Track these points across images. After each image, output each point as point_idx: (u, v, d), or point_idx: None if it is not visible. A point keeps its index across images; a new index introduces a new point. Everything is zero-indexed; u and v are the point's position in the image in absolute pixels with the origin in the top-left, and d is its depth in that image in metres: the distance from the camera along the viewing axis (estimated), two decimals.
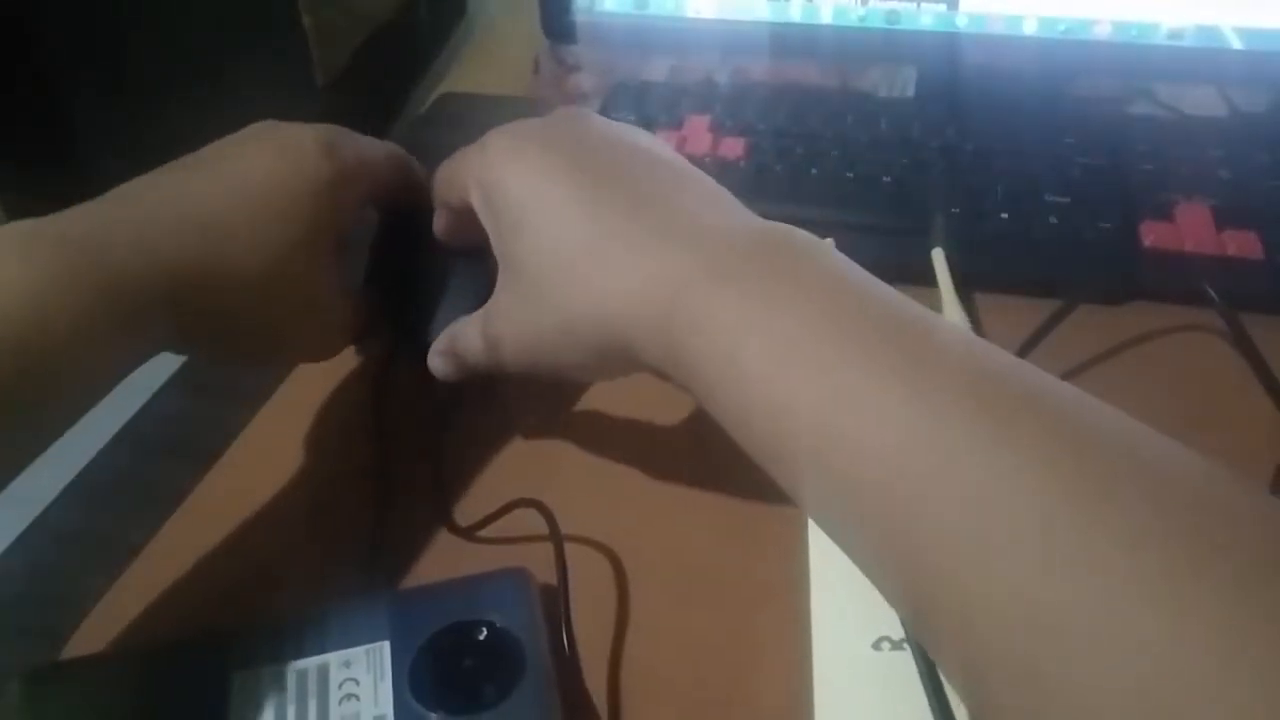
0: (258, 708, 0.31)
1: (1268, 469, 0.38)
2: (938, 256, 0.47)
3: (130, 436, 0.45)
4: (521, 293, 0.32)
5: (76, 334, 0.29)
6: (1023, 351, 0.43)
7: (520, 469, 0.41)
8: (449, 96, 0.73)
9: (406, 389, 0.44)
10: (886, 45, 0.57)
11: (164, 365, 0.38)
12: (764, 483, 0.26)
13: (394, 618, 0.33)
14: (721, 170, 0.54)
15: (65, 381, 0.30)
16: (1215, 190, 0.51)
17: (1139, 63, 0.55)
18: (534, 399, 0.44)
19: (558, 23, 0.60)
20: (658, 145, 0.33)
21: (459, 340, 0.37)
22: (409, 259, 0.42)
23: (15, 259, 0.29)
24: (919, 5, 0.55)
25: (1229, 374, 0.43)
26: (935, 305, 0.46)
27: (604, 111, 0.59)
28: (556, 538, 0.36)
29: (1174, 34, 0.53)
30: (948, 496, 0.21)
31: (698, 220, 0.29)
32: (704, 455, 0.40)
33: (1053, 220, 0.50)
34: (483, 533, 0.37)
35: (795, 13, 0.57)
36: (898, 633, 0.32)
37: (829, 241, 0.46)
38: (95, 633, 0.36)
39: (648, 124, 0.57)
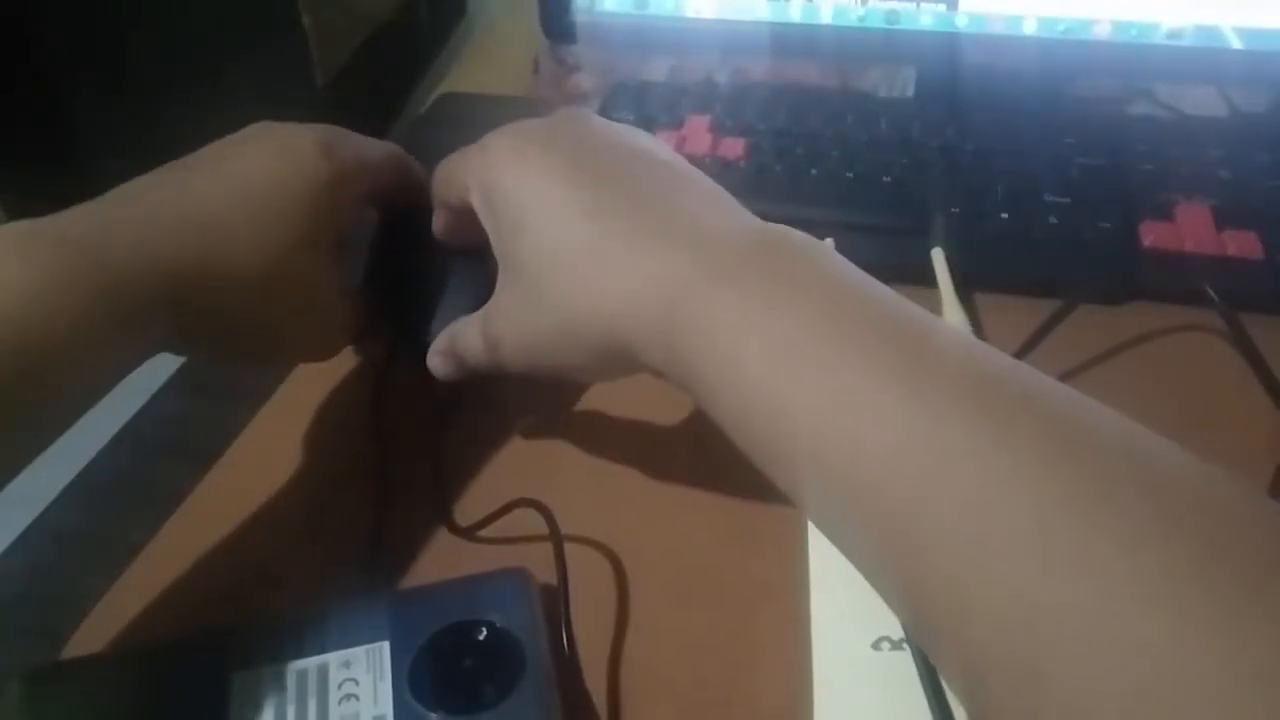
0: (258, 708, 0.31)
1: (1268, 469, 0.38)
2: (938, 256, 0.47)
3: (130, 436, 0.45)
4: (521, 293, 0.32)
5: (76, 334, 0.29)
6: (1023, 351, 0.43)
7: (520, 469, 0.41)
8: (449, 96, 0.73)
9: (406, 389, 0.44)
10: (886, 45, 0.57)
11: (164, 365, 0.38)
12: (764, 483, 0.26)
13: (394, 618, 0.33)
14: (721, 170, 0.54)
15: (65, 381, 0.30)
16: (1215, 190, 0.51)
17: (1139, 63, 0.55)
18: (534, 399, 0.44)
19: (558, 23, 0.60)
20: (658, 146, 0.33)
21: (459, 340, 0.37)
22: (408, 259, 0.42)
23: (15, 259, 0.29)
24: (919, 5, 0.55)
25: (1229, 374, 0.43)
26: (935, 305, 0.46)
27: (604, 111, 0.59)
28: (556, 538, 0.36)
29: (1174, 34, 0.53)
30: (946, 497, 0.21)
31: (697, 221, 0.29)
32: (704, 455, 0.40)
33: (1053, 220, 0.50)
34: (483, 533, 0.37)
35: (795, 13, 0.57)
36: (898, 633, 0.32)
37: (829, 242, 0.47)
38: (95, 633, 0.36)
39: (648, 124, 0.57)
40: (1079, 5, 0.53)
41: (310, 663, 0.32)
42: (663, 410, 0.43)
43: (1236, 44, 0.52)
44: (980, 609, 0.20)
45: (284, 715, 0.31)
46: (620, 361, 0.30)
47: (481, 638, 0.32)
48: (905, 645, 0.31)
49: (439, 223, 0.40)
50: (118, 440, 0.45)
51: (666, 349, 0.27)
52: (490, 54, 0.88)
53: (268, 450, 0.43)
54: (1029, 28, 0.55)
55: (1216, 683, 0.16)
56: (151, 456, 0.44)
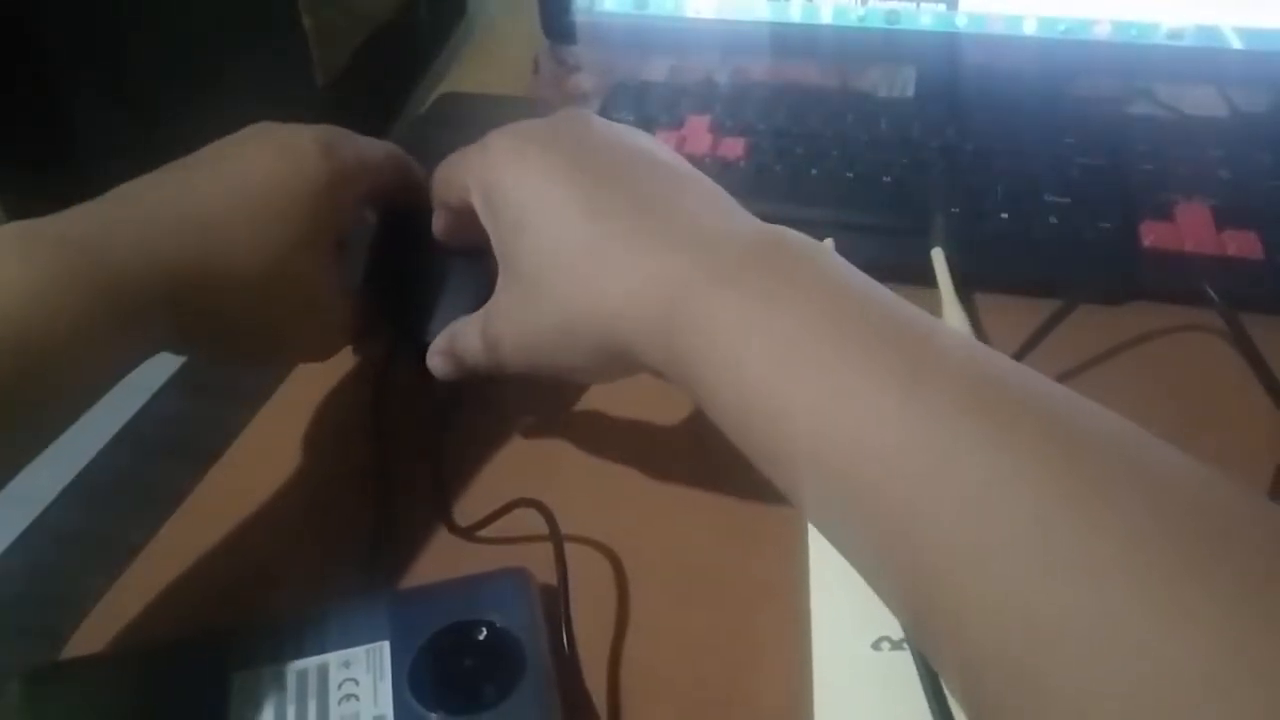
0: (258, 708, 0.31)
1: (1268, 469, 0.38)
2: (938, 256, 0.47)
3: (130, 436, 0.45)
4: (521, 293, 0.32)
5: (76, 334, 0.29)
6: (1023, 351, 0.43)
7: (520, 469, 0.41)
8: (449, 96, 0.73)
9: (406, 389, 0.44)
10: (886, 45, 0.57)
11: (164, 365, 0.38)
12: (764, 483, 0.26)
13: (394, 618, 0.33)
14: (721, 170, 0.54)
15: (65, 381, 0.30)
16: (1215, 190, 0.51)
17: (1139, 63, 0.55)
18: (534, 399, 0.44)
19: (558, 23, 0.60)
20: (658, 147, 0.33)
21: (458, 340, 0.37)
22: (408, 259, 0.42)
23: (15, 259, 0.29)
24: (919, 5, 0.55)
25: (1229, 374, 0.43)
26: (935, 305, 0.46)
27: (604, 111, 0.59)
28: (556, 538, 0.36)
29: (1174, 34, 0.53)
30: (946, 498, 0.21)
31: (697, 221, 0.29)
32: (704, 455, 0.40)
33: (1053, 220, 0.50)
34: (483, 533, 0.37)
35: (795, 13, 0.57)
36: (898, 633, 0.32)
37: (829, 242, 0.47)
38: (95, 633, 0.36)
39: (648, 124, 0.57)
40: (1079, 5, 0.53)
41: (310, 663, 0.32)
42: (663, 410, 0.43)
43: (1236, 44, 0.52)
44: (979, 609, 0.20)
45: (284, 715, 0.31)
46: (620, 362, 0.30)
47: (481, 638, 0.32)
48: (905, 645, 0.31)
49: (439, 223, 0.40)
50: (118, 440, 0.45)
51: (666, 349, 0.27)
52: (490, 54, 0.88)
53: (268, 450, 0.43)
54: (1029, 28, 0.55)
55: (1214, 683, 0.16)
56: (151, 456, 0.44)
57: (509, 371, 0.34)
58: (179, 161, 0.36)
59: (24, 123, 1.15)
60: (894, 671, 0.31)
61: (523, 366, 0.34)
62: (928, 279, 0.47)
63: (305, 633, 0.33)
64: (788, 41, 0.58)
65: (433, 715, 0.30)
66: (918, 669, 0.30)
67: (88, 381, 0.31)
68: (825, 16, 0.57)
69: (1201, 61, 0.53)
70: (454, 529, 0.38)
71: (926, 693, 0.30)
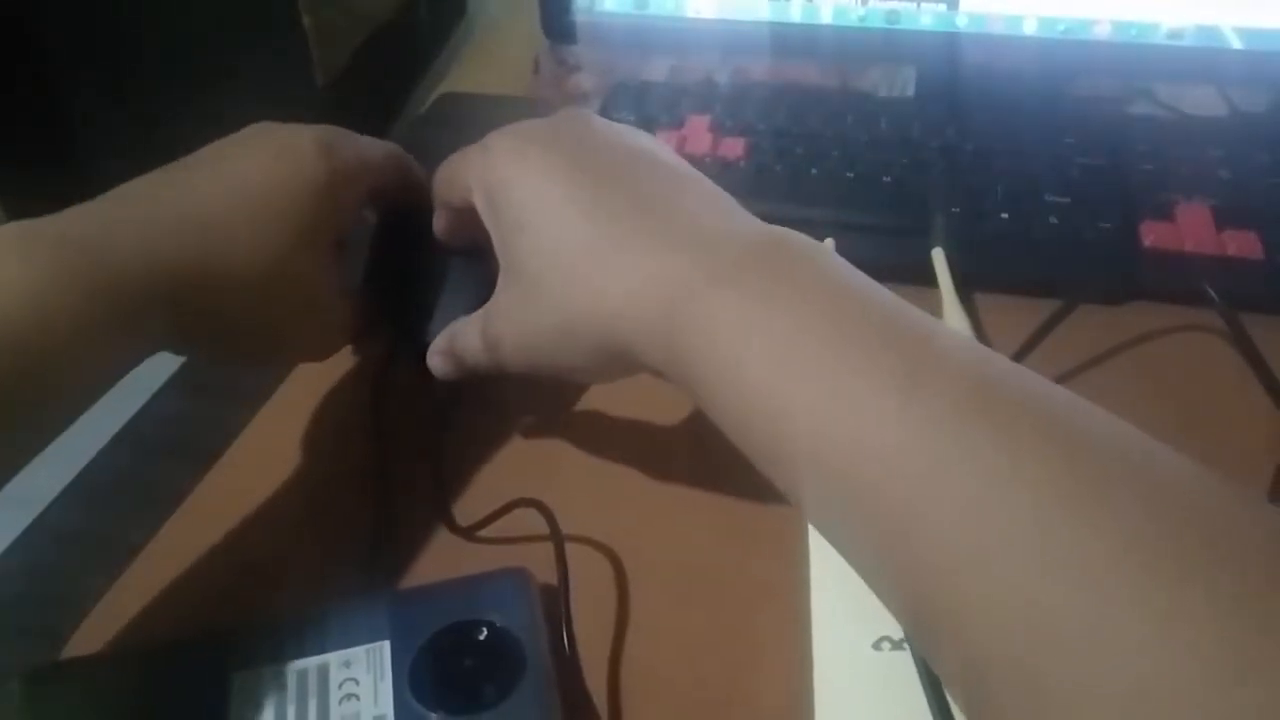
0: (258, 708, 0.31)
1: (1268, 469, 0.38)
2: (938, 256, 0.47)
3: (130, 437, 0.45)
4: (521, 293, 0.32)
5: (76, 334, 0.29)
6: (1023, 351, 0.43)
7: (520, 469, 0.41)
8: (449, 96, 0.73)
9: (406, 389, 0.44)
10: (886, 45, 0.57)
11: (164, 365, 0.38)
12: (764, 483, 0.26)
13: (394, 618, 0.33)
14: (721, 170, 0.54)
15: (65, 381, 0.30)
16: (1215, 190, 0.51)
17: (1139, 63, 0.55)
18: (534, 399, 0.44)
19: (558, 23, 0.60)
20: (658, 147, 0.33)
21: (459, 340, 0.37)
22: (408, 259, 0.42)
23: (15, 259, 0.29)
24: (919, 5, 0.55)
25: (1229, 374, 0.43)
26: (935, 305, 0.46)
27: (604, 111, 0.59)
28: (556, 538, 0.36)
29: (1174, 34, 0.53)
30: (945, 498, 0.21)
31: (697, 222, 0.29)
32: (704, 455, 0.40)
33: (1053, 220, 0.50)
34: (483, 533, 0.37)
35: (795, 13, 0.57)
36: (898, 633, 0.32)
37: (829, 242, 0.47)
38: (95, 633, 0.36)
39: (648, 124, 0.57)
40: (1079, 5, 0.53)
41: (310, 662, 0.32)
42: (663, 410, 0.43)
43: (1236, 44, 0.52)
44: (978, 609, 0.20)
45: (284, 715, 0.31)
46: (620, 362, 0.30)
47: (481, 638, 0.32)
48: (905, 645, 0.31)
49: (440, 223, 0.40)
50: (118, 440, 0.45)
51: (666, 349, 0.27)
52: (490, 54, 0.88)
53: (268, 450, 0.43)
54: (1029, 28, 0.55)
55: (1213, 684, 0.17)
56: (151, 456, 0.44)
57: (509, 371, 0.34)
58: (179, 161, 0.36)
59: (24, 123, 1.15)
60: (894, 671, 0.31)
61: (523, 366, 0.34)
62: (928, 279, 0.47)
63: (305, 633, 0.33)
64: (788, 41, 0.58)
65: (433, 715, 0.30)
66: (918, 669, 0.30)
67: (87, 381, 0.31)
68: (825, 16, 0.57)
69: (1201, 61, 0.53)
70: (454, 529, 0.38)
71: (926, 693, 0.30)
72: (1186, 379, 0.44)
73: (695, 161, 0.32)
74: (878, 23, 0.56)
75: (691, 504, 0.39)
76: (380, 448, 0.42)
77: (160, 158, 0.36)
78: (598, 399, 0.44)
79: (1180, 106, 0.62)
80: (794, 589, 0.34)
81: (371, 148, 0.40)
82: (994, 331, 0.46)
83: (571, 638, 0.34)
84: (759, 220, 0.29)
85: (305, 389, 0.45)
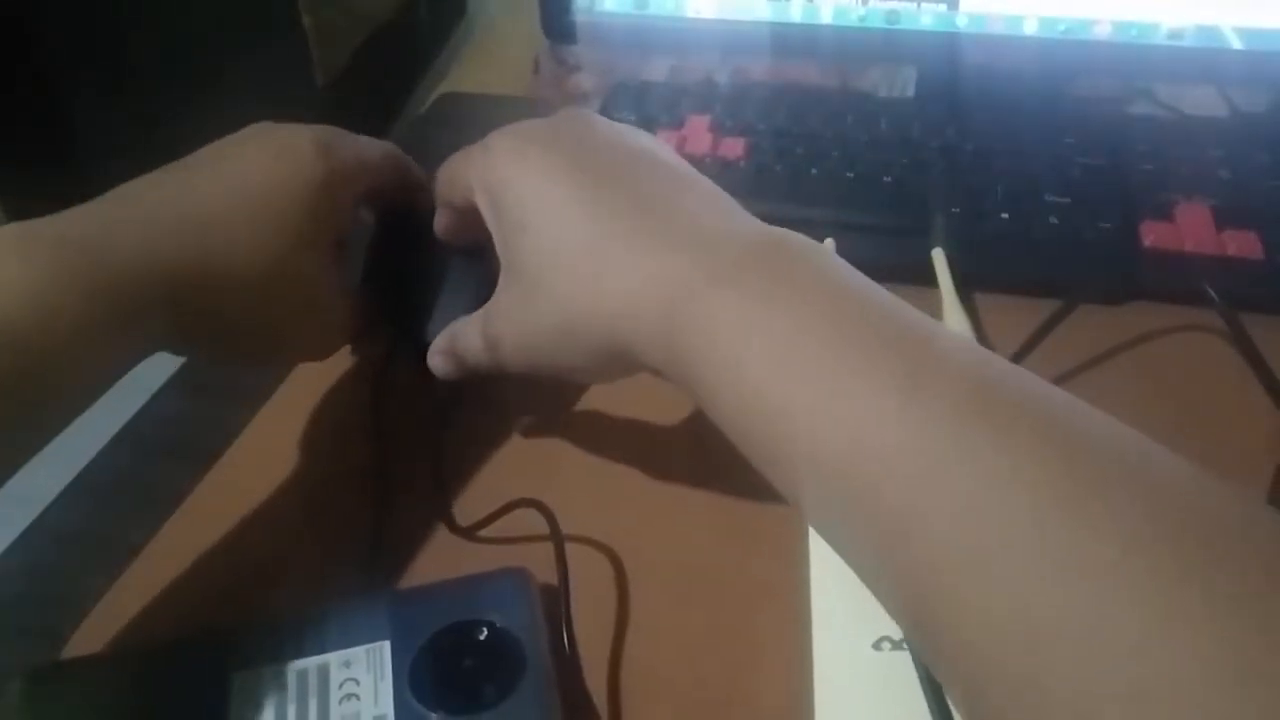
0: (258, 708, 0.31)
1: (1268, 469, 0.38)
2: (938, 256, 0.47)
3: (130, 437, 0.45)
4: (522, 292, 0.32)
5: (76, 334, 0.29)
6: (1023, 351, 0.43)
7: (520, 469, 0.41)
8: (449, 96, 0.73)
9: (406, 389, 0.44)
10: (886, 45, 0.57)
11: (164, 365, 0.38)
12: (763, 483, 0.26)
13: (394, 618, 0.33)
14: (721, 170, 0.54)
15: (64, 381, 0.30)
16: (1215, 190, 0.51)
17: (1139, 63, 0.55)
18: (534, 399, 0.44)
19: (558, 23, 0.60)
20: (659, 147, 0.33)
21: (459, 340, 0.37)
22: (407, 258, 0.42)
23: (15, 259, 0.29)
24: (919, 5, 0.55)
25: (1229, 374, 0.43)
26: (935, 305, 0.46)
27: (604, 111, 0.59)
28: (556, 538, 0.36)
29: (1174, 34, 0.53)
30: (944, 498, 0.21)
31: (697, 222, 0.29)
32: (704, 455, 0.40)
33: (1053, 220, 0.50)
34: (483, 533, 0.37)
35: (795, 13, 0.57)
36: (898, 633, 0.32)
37: (829, 242, 0.47)
38: (95, 633, 0.36)
39: (648, 124, 0.57)
40: (1079, 5, 0.53)
41: (310, 662, 0.32)
42: (663, 410, 0.43)
43: (1236, 44, 0.52)
44: (977, 610, 0.20)
45: (284, 715, 0.31)
46: (620, 362, 0.30)
47: (481, 638, 0.32)
48: (905, 645, 0.31)
49: (441, 222, 0.40)
50: (118, 440, 0.45)
51: (666, 349, 0.27)
52: (490, 54, 0.88)
53: (268, 450, 0.43)
54: (1029, 28, 0.55)
55: (1212, 685, 0.17)
56: (151, 456, 0.44)
57: (509, 371, 0.34)
58: (179, 162, 0.36)
59: (24, 123, 1.15)
60: (894, 671, 0.31)
61: (523, 366, 0.34)
62: (928, 279, 0.47)
63: (305, 633, 0.33)
64: (788, 41, 0.58)
65: (433, 715, 0.30)
66: (917, 669, 0.30)
67: (87, 381, 0.31)
68: (825, 16, 0.57)
69: (1201, 61, 0.53)
70: (454, 529, 0.38)
71: (926, 693, 0.30)
72: (1186, 379, 0.44)
73: (695, 161, 0.32)
74: (878, 23, 0.56)
75: (691, 504, 0.39)
76: (380, 448, 0.42)
77: (160, 158, 0.36)
78: (598, 399, 0.44)
79: (1180, 106, 0.62)
80: (794, 589, 0.34)
81: (369, 148, 0.40)
82: (994, 331, 0.46)
83: (571, 638, 0.34)
84: (759, 220, 0.29)
85: (305, 389, 0.45)
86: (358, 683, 0.31)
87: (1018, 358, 0.42)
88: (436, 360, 0.38)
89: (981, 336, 0.45)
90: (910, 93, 0.62)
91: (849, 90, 0.66)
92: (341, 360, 0.45)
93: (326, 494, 0.41)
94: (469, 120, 0.65)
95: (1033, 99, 0.59)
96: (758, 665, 0.34)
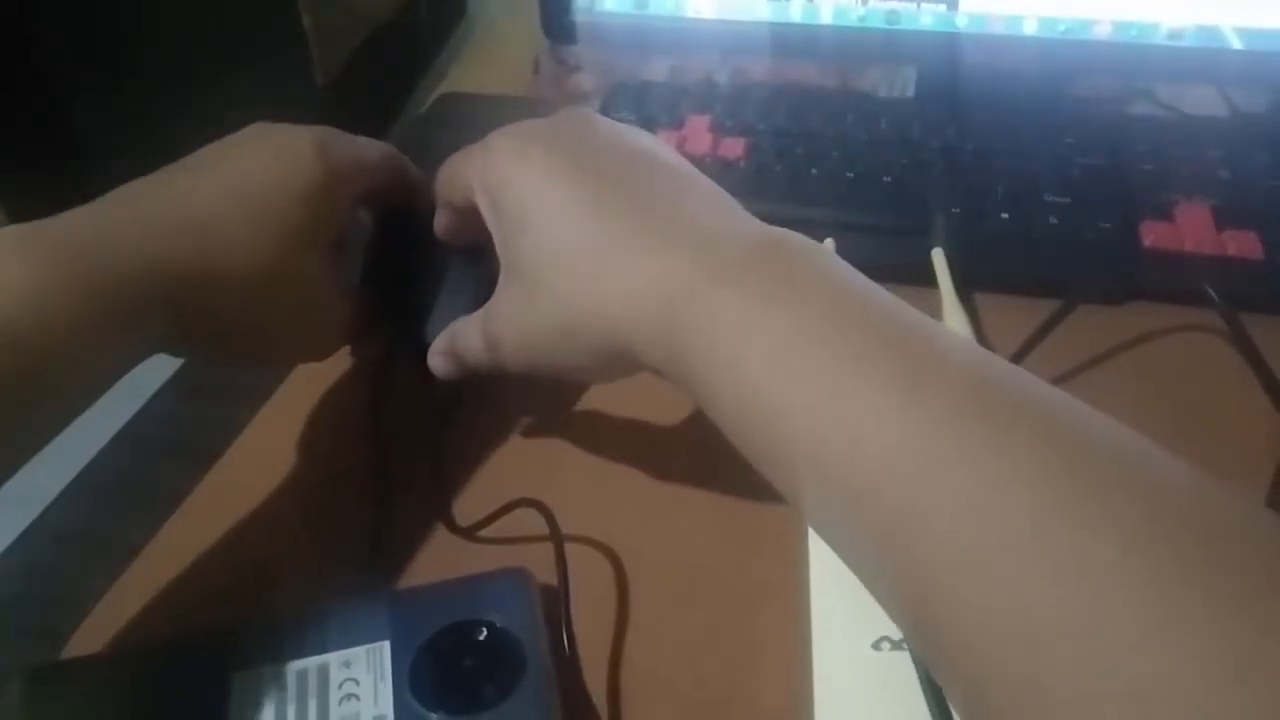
0: (258, 708, 0.31)
1: (1267, 469, 0.38)
2: (938, 256, 0.47)
3: (130, 437, 0.45)
4: (522, 292, 0.32)
5: (76, 335, 0.29)
6: (1023, 351, 0.43)
7: (520, 469, 0.41)
8: (449, 96, 0.73)
9: (406, 389, 0.44)
10: (886, 45, 0.57)
11: (164, 366, 0.38)
12: (763, 483, 0.26)
13: (394, 618, 0.33)
14: (721, 170, 0.54)
15: (63, 381, 0.30)
16: (1215, 190, 0.51)
17: (1139, 63, 0.55)
18: (534, 399, 0.44)
19: (558, 23, 0.60)
20: (659, 147, 0.33)
21: (459, 340, 0.37)
22: (406, 258, 0.42)
23: (15, 260, 0.29)
24: (919, 5, 0.55)
25: (1229, 374, 0.43)
26: (935, 305, 0.46)
27: (604, 111, 0.59)
28: (556, 538, 0.36)
29: (1174, 34, 0.53)
30: (943, 500, 0.21)
31: (698, 221, 0.29)
32: (704, 455, 0.40)
33: (1053, 220, 0.50)
34: (483, 533, 0.37)
35: (795, 13, 0.57)
36: (898, 633, 0.32)
37: (829, 242, 0.47)
38: (95, 633, 0.36)
39: (648, 124, 0.57)
40: (1079, 5, 0.53)
41: (310, 663, 0.32)
42: (663, 410, 0.43)
43: (1236, 44, 0.52)
44: (977, 610, 0.20)
45: (284, 715, 0.31)
46: (620, 361, 0.30)
47: (481, 638, 0.32)
48: (905, 645, 0.31)
49: (441, 222, 0.40)
50: (118, 440, 0.45)
51: (666, 349, 0.27)
52: (490, 54, 0.88)
53: (267, 450, 0.43)
54: (1029, 28, 0.55)
55: (1211, 686, 0.16)
56: (151, 456, 0.44)
57: (509, 371, 0.34)
58: (178, 163, 0.36)
59: (24, 123, 1.15)
60: (894, 671, 0.31)
61: (523, 366, 0.34)
62: (928, 279, 0.47)
63: (305, 633, 0.33)
64: (788, 41, 0.58)
65: (433, 715, 0.30)
66: (917, 669, 0.30)
67: (86, 382, 0.31)
68: (825, 16, 0.57)
69: (1201, 61, 0.53)
70: (454, 529, 0.38)
71: (926, 693, 0.30)
72: (1186, 379, 0.44)
73: (695, 161, 0.32)
74: (878, 23, 0.56)
75: (691, 504, 0.39)
76: (380, 448, 0.42)
77: (160, 158, 0.36)
78: (598, 399, 0.44)
79: (1180, 106, 0.62)
80: (794, 589, 0.34)
81: (367, 148, 0.40)
82: (994, 331, 0.46)
83: (571, 638, 0.34)
84: (759, 220, 0.29)
85: (304, 389, 0.45)
86: (357, 683, 0.31)
87: (1018, 358, 0.42)
88: (436, 360, 0.38)
89: (981, 336, 0.45)
90: (910, 93, 0.62)
91: (849, 90, 0.66)
92: (341, 361, 0.45)
93: (326, 494, 0.41)
94: (469, 120, 0.65)
95: (1033, 99, 0.59)
96: (758, 665, 0.34)
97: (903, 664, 0.31)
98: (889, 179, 0.52)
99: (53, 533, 0.41)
